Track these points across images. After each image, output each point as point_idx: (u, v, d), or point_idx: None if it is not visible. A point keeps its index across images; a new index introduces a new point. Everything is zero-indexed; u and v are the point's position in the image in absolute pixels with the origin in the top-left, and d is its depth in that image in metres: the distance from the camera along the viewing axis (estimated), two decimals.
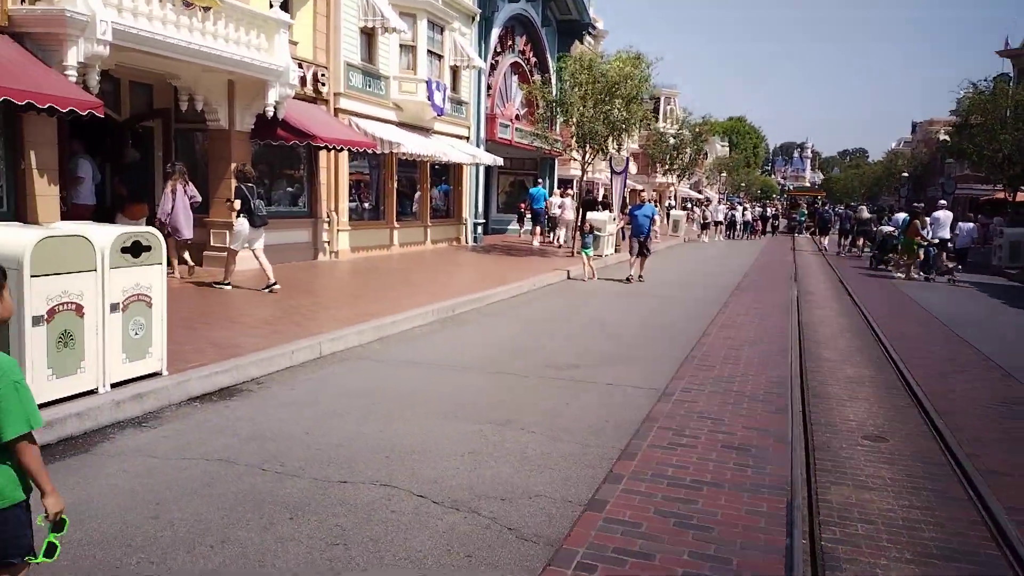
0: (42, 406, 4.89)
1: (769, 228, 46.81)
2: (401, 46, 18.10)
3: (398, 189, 19.12)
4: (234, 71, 12.07)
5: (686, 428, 5.75)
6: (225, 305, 9.76)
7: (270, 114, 13.03)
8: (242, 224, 10.84)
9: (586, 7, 28.10)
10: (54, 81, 8.93)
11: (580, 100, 18.82)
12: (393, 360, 7.77)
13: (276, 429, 5.35)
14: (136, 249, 5.75)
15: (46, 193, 9.82)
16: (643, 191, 17.44)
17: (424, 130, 19.41)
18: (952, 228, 20.26)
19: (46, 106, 8.56)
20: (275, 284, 10.82)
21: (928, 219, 19.46)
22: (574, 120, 19.12)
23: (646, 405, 6.34)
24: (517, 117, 26.14)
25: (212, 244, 13.36)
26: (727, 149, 76.35)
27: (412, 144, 17.03)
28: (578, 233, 17.45)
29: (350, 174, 17.06)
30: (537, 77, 22.90)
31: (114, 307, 5.58)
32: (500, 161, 21.87)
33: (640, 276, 15.79)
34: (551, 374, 7.36)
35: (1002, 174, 24.81)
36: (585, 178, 21.40)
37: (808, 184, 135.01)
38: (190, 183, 11.67)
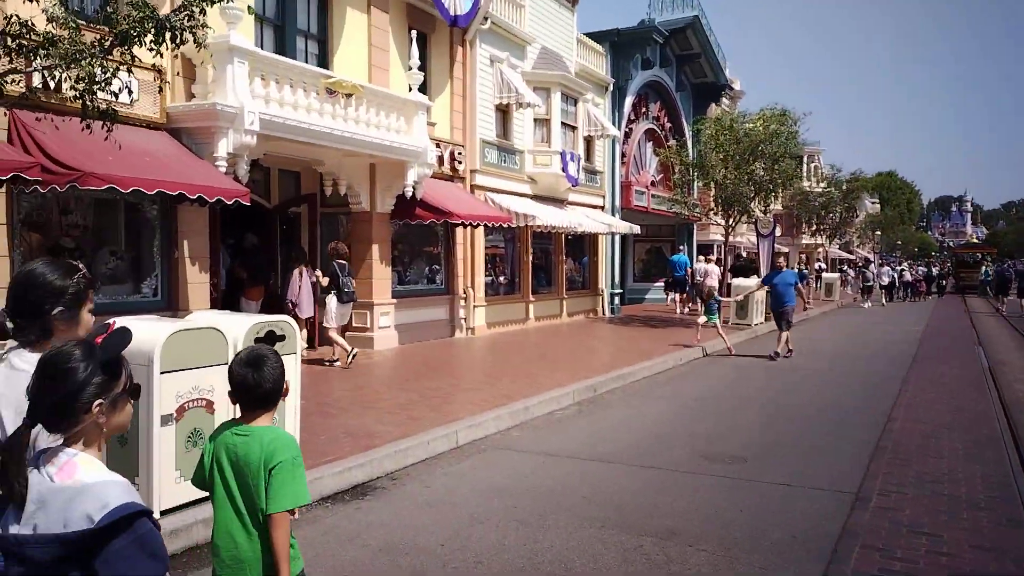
0: (169, 511, 4.62)
1: (935, 288, 43.05)
2: (535, 120, 18.10)
3: (533, 262, 18.85)
4: (375, 154, 12.28)
5: (896, 548, 4.67)
6: (361, 389, 9.55)
7: (409, 194, 13.13)
8: (331, 301, 11.09)
9: (722, 68, 27.39)
10: (205, 172, 9.28)
11: (721, 162, 17.96)
12: (534, 450, 7.12)
13: (410, 539, 4.79)
14: (271, 339, 5.52)
15: (197, 281, 10.15)
16: (781, 256, 15.93)
17: (558, 201, 19.16)
18: None
19: (196, 196, 8.85)
20: (337, 360, 11.18)
21: None
22: (715, 183, 18.25)
23: (838, 513, 5.28)
24: (652, 183, 25.50)
25: (355, 324, 13.45)
26: (878, 206, 71.79)
27: (546, 216, 16.76)
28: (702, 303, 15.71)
29: (486, 249, 16.96)
30: (672, 142, 22.31)
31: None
32: (636, 229, 21.23)
33: (789, 351, 13.80)
34: (713, 469, 6.43)
35: None
36: (728, 242, 20.26)
37: (973, 239, 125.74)
38: (311, 267, 11.96)
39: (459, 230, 15.71)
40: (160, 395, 4.57)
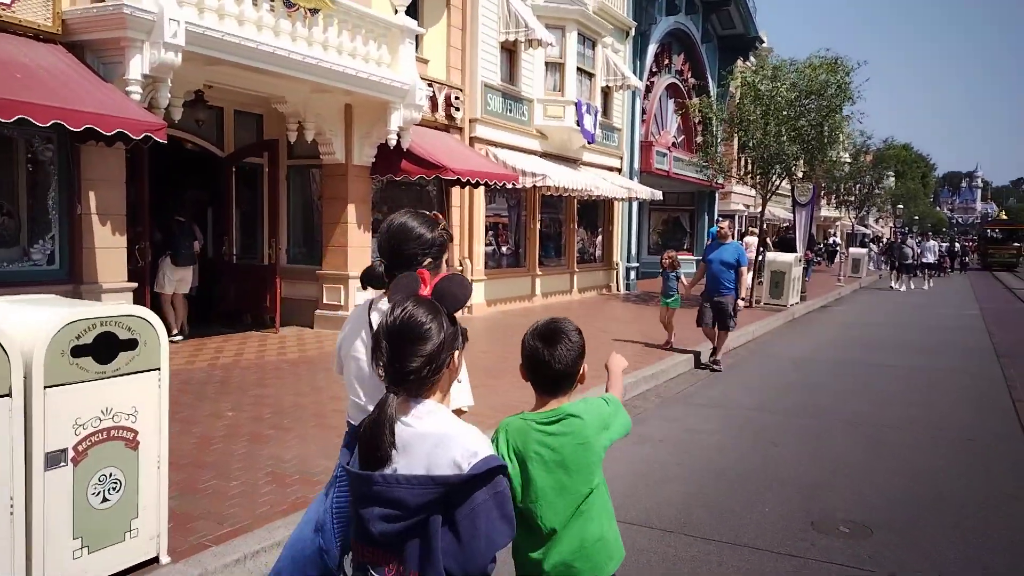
0: None
1: (957, 265, 40.96)
2: (547, 64, 15.54)
3: (541, 230, 16.44)
4: (350, 90, 9.81)
5: None
6: (319, 392, 7.21)
7: (393, 142, 10.69)
8: (164, 263, 9.60)
9: (752, 18, 24.65)
10: (110, 99, 6.83)
11: (761, 117, 15.43)
12: None
13: None
14: (106, 348, 3.17)
15: (109, 245, 7.77)
16: (725, 221, 11.26)
17: (572, 161, 16.68)
18: None
19: (113, 131, 6.46)
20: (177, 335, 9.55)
21: None
22: (753, 142, 15.75)
23: None
24: (673, 145, 22.95)
25: (324, 302, 11.11)
26: (892, 179, 69.05)
27: (559, 176, 14.29)
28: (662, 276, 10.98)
29: (486, 213, 14.54)
30: (696, 100, 19.66)
31: (54, 458, 2.99)
32: (659, 195, 18.71)
33: (715, 361, 9.57)
34: (830, 551, 4.12)
35: None
36: (764, 212, 17.81)
37: (996, 216, 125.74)
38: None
39: (455, 190, 13.28)
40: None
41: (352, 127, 10.90)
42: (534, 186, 14.04)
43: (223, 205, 11.35)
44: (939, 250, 31.69)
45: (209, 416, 6.10)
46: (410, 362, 1.65)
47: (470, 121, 13.65)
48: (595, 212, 19.22)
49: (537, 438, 2.10)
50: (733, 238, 11.15)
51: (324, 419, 6.15)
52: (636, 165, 20.09)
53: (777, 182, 16.64)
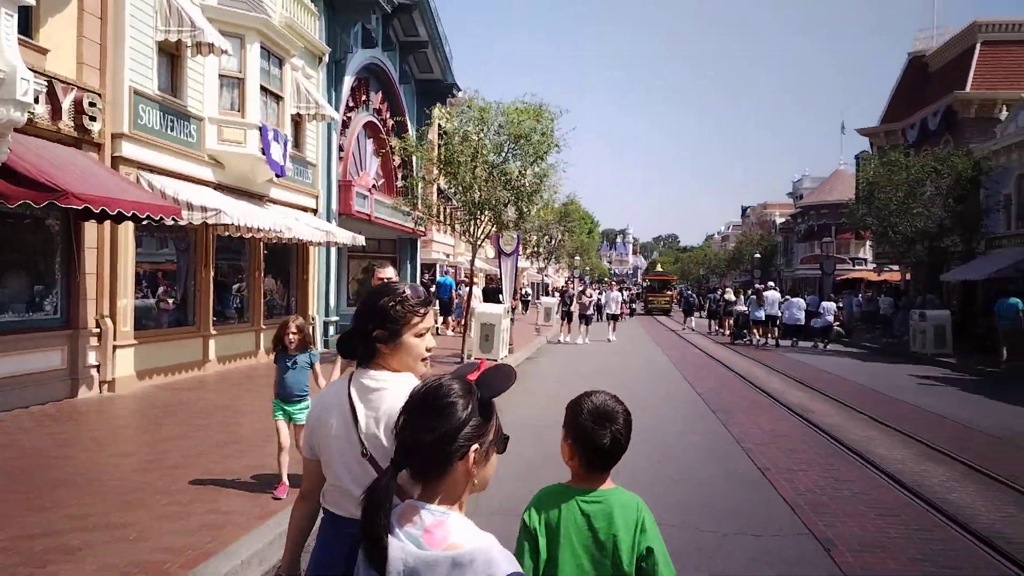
0: None
1: (627, 311, 45.37)
2: (223, 79, 12.78)
3: (217, 278, 13.38)
4: None
5: None
6: None
7: None
8: None
9: (449, 65, 24.11)
10: None
11: (471, 159, 14.31)
12: None
13: None
14: None
15: None
16: (384, 270, 6.94)
17: (257, 196, 13.97)
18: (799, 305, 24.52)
19: None
20: None
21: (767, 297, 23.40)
22: (463, 186, 14.54)
23: None
24: (374, 187, 21.18)
25: None
26: (567, 234, 75.62)
27: (239, 214, 11.54)
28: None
29: (137, 259, 11.20)
30: (398, 140, 18.07)
31: None
32: (361, 240, 16.64)
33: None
34: None
35: (909, 249, 22.88)
36: (474, 260, 16.68)
37: (631, 268, 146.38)
38: None
39: (89, 225, 9.89)
40: None
41: None
42: (205, 224, 11.14)
43: None
44: (620, 300, 33.91)
45: None
46: (423, 434, 1.52)
47: (113, 136, 10.38)
48: (287, 258, 16.54)
49: (579, 511, 2.11)
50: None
51: None
52: (334, 206, 17.88)
53: (487, 229, 15.62)
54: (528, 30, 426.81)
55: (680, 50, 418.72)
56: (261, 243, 14.49)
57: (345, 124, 19.34)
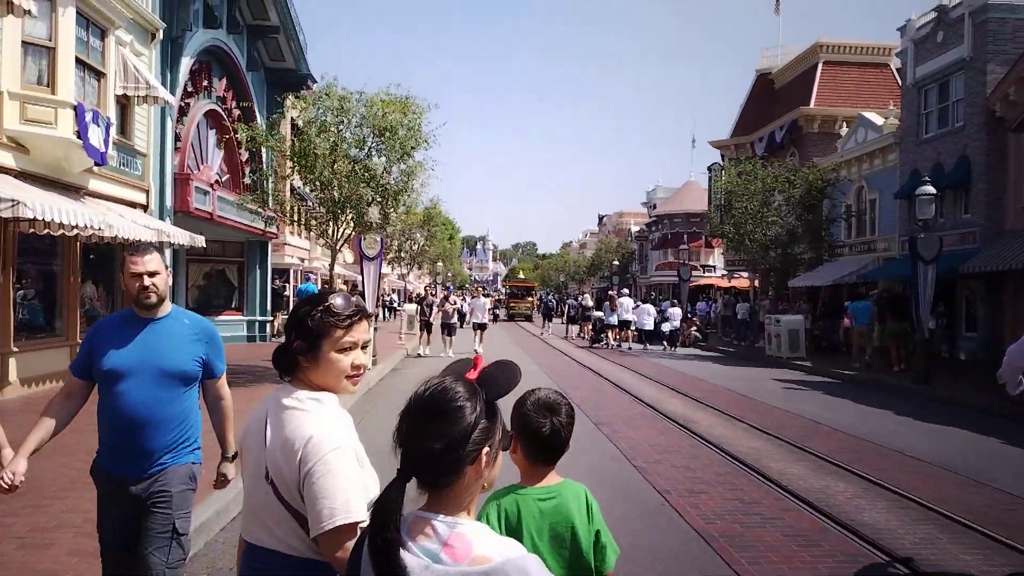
0: None
1: (490, 318, 45.16)
2: (28, 46, 10.72)
3: (20, 285, 11.21)
4: None
5: None
6: None
7: None
8: None
9: (304, 53, 22.38)
10: None
11: (330, 153, 12.96)
12: None
13: None
14: None
15: None
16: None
17: (72, 188, 11.91)
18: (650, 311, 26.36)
19: None
20: None
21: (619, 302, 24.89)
22: (321, 181, 13.16)
23: None
24: (217, 183, 19.14)
25: None
26: (428, 239, 74.59)
27: (47, 207, 9.59)
28: None
29: None
30: (245, 127, 16.11)
31: None
32: (201, 241, 14.72)
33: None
34: None
35: (763, 256, 23.70)
36: (333, 265, 15.25)
37: (491, 274, 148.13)
38: None
39: None
40: None
41: None
42: (2, 219, 9.16)
43: None
44: (487, 307, 33.31)
45: None
46: (431, 442, 1.39)
47: None
48: (111, 261, 14.36)
49: (535, 508, 2.18)
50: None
51: None
52: (169, 203, 15.83)
53: (347, 231, 14.29)
54: (390, 23, 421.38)
55: (537, 64, 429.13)
56: (78, 243, 12.40)
57: (183, 111, 17.28)
